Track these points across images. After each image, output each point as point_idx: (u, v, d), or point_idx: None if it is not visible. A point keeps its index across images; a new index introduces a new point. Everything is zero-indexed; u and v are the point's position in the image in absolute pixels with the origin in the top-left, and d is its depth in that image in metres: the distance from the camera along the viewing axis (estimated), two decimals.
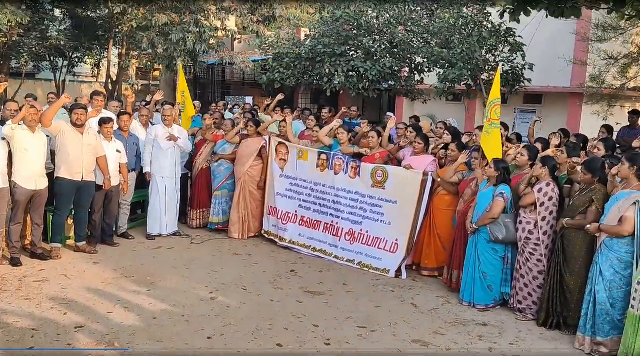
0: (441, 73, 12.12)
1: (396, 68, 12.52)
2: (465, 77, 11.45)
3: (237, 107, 13.54)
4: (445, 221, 7.13)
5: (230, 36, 19.63)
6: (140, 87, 24.36)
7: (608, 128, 9.24)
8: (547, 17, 10.64)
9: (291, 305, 6.22)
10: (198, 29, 16.24)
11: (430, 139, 8.06)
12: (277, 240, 8.43)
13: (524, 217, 6.10)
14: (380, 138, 7.94)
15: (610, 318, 5.29)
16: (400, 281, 7.19)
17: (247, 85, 23.28)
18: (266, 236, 8.62)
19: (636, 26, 12.13)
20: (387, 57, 12.19)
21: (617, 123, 11.27)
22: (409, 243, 7.32)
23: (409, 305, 6.43)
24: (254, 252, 8.12)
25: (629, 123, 10.99)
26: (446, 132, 8.08)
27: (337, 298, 6.49)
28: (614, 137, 9.43)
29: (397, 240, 7.41)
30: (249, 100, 18.21)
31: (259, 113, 11.01)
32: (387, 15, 12.50)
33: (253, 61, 18.29)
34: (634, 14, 9.33)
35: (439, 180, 7.17)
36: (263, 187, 8.70)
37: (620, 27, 12.50)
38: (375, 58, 12.12)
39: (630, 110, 11.62)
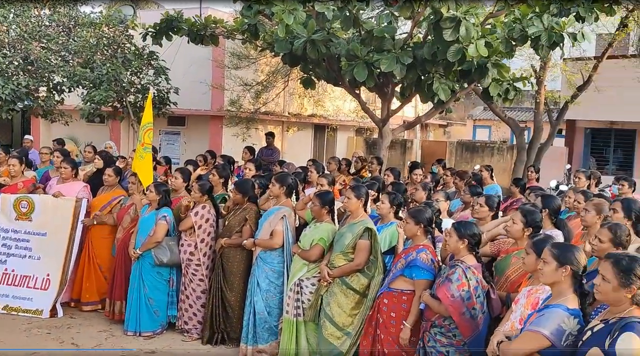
0: (85, 93, 11.57)
1: (32, 87, 11.48)
2: (112, 98, 11.16)
3: None
4: (106, 250, 6.80)
5: None
6: None
7: (250, 149, 10.13)
8: (188, 43, 11.24)
9: None
10: None
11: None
12: None
13: (185, 240, 6.23)
14: (23, 165, 7.17)
15: (268, 325, 5.77)
16: (56, 321, 6.58)
17: None
18: None
19: (265, 56, 13.60)
20: (21, 75, 11.09)
21: (254, 144, 12.43)
22: (63, 277, 6.75)
23: (70, 345, 5.95)
24: None
25: (266, 144, 12.28)
26: (97, 157, 7.72)
27: None
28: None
29: (48, 275, 6.78)
30: None
31: None
32: (19, 30, 11.37)
33: None
34: (265, 46, 10.49)
35: (95, 214, 6.81)
36: None
37: (253, 57, 13.86)
38: (7, 75, 10.90)
39: (266, 132, 12.97)
